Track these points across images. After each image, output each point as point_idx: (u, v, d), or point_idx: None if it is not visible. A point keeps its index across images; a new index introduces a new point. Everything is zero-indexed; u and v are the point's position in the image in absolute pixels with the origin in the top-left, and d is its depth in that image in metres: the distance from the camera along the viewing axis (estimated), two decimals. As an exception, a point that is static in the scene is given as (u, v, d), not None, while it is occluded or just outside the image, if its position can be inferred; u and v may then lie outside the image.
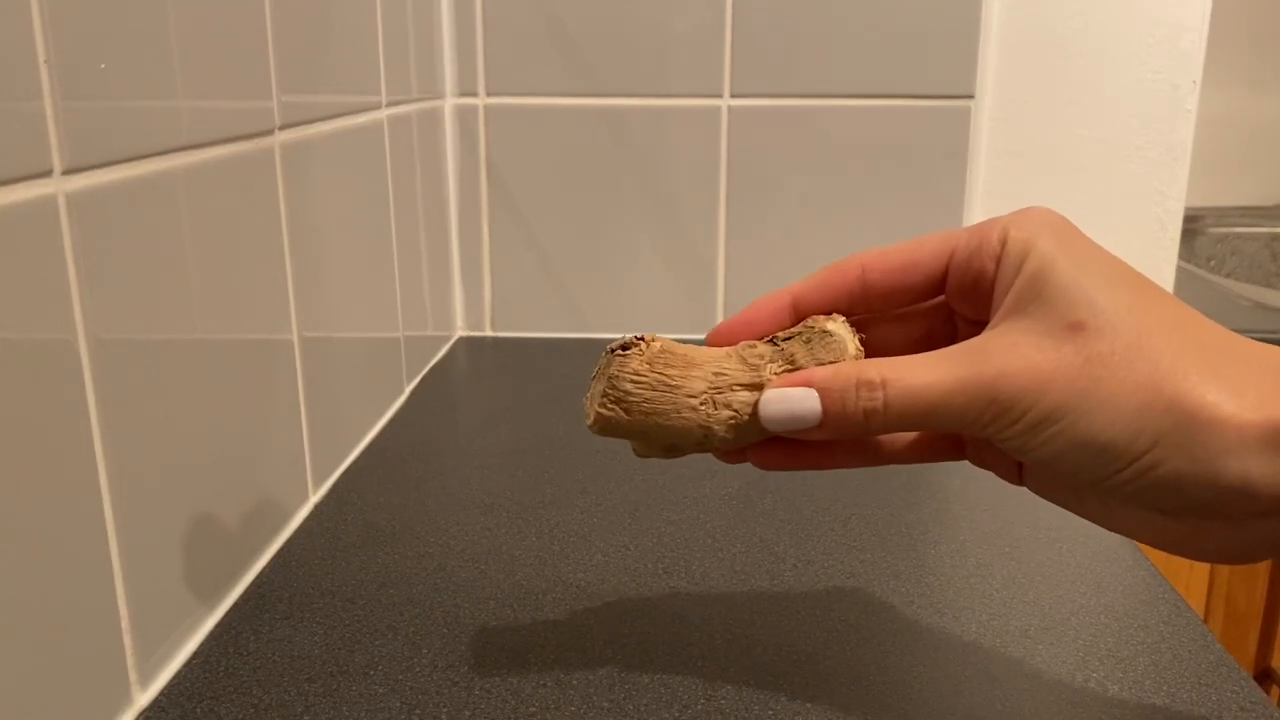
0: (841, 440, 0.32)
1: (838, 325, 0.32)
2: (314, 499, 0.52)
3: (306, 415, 0.51)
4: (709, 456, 0.34)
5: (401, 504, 0.52)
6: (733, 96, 0.78)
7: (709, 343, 0.34)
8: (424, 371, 0.74)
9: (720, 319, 0.83)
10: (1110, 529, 0.32)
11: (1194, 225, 1.35)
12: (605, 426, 0.32)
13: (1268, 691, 0.86)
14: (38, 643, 0.30)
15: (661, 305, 0.82)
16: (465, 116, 0.80)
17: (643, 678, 0.38)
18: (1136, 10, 0.79)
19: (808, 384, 0.31)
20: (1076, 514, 0.32)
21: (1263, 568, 1.01)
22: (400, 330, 0.68)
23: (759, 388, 0.32)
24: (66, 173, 0.31)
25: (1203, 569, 1.02)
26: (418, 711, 0.36)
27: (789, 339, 0.32)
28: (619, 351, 0.32)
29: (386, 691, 0.37)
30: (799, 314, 0.34)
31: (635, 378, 0.31)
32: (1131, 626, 0.41)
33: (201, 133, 0.39)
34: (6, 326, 0.28)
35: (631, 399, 0.31)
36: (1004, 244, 0.31)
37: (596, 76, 0.78)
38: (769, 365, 0.32)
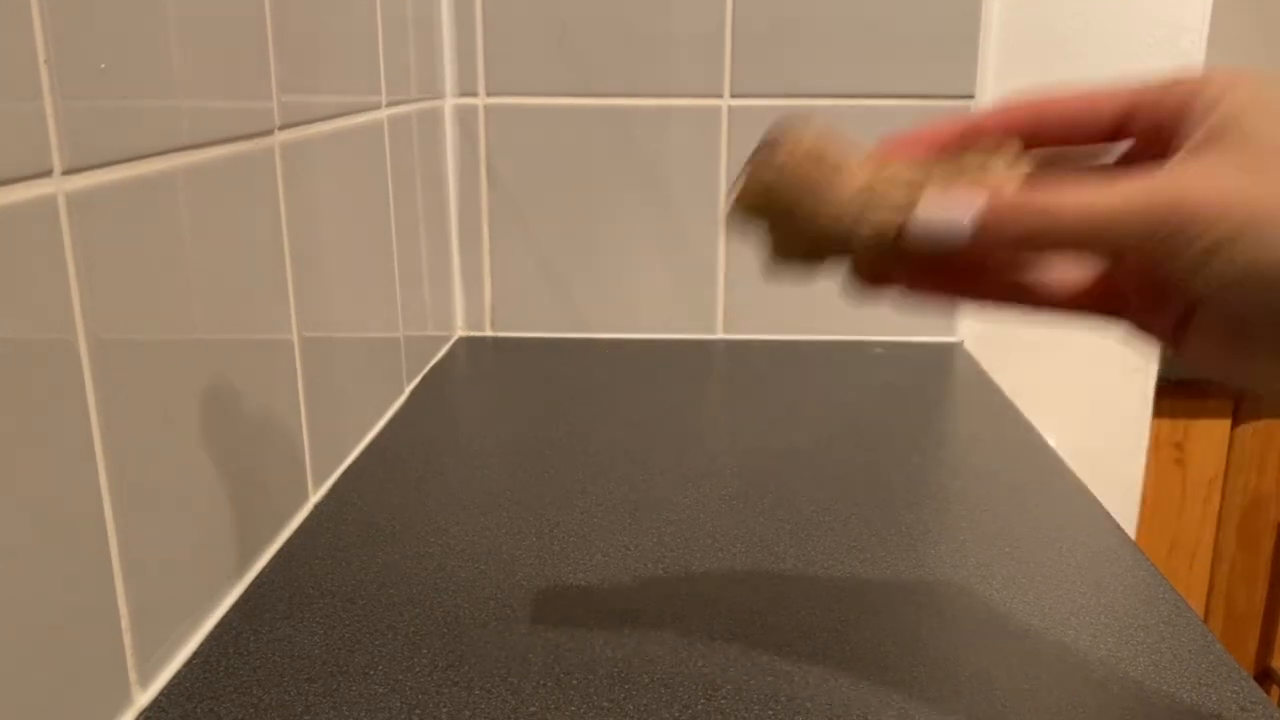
0: (999, 266, 0.31)
1: (1007, 154, 0.30)
2: (314, 499, 0.52)
3: (306, 415, 0.51)
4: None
5: (401, 504, 0.53)
6: (733, 96, 0.78)
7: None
8: (424, 371, 0.74)
9: (720, 318, 0.83)
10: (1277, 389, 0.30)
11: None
12: (750, 204, 0.31)
13: (1268, 692, 0.86)
14: (38, 642, 0.30)
15: (661, 305, 0.82)
16: (465, 116, 0.80)
17: (643, 678, 0.38)
18: (1136, 10, 0.79)
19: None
20: (1239, 381, 0.30)
21: (1263, 569, 1.01)
22: (400, 330, 0.68)
23: (920, 188, 0.29)
24: (66, 173, 0.31)
25: (1203, 570, 1.02)
26: (418, 711, 0.36)
27: (953, 162, 0.30)
28: (763, 149, 0.30)
29: (386, 691, 0.37)
30: (969, 141, 0.31)
31: (780, 171, 0.30)
32: (1131, 627, 0.41)
33: (201, 133, 0.39)
34: (6, 326, 0.28)
35: (775, 190, 0.30)
36: (1197, 95, 0.29)
37: (596, 76, 0.78)
38: (932, 172, 0.30)
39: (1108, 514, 0.52)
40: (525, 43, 0.78)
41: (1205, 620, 0.71)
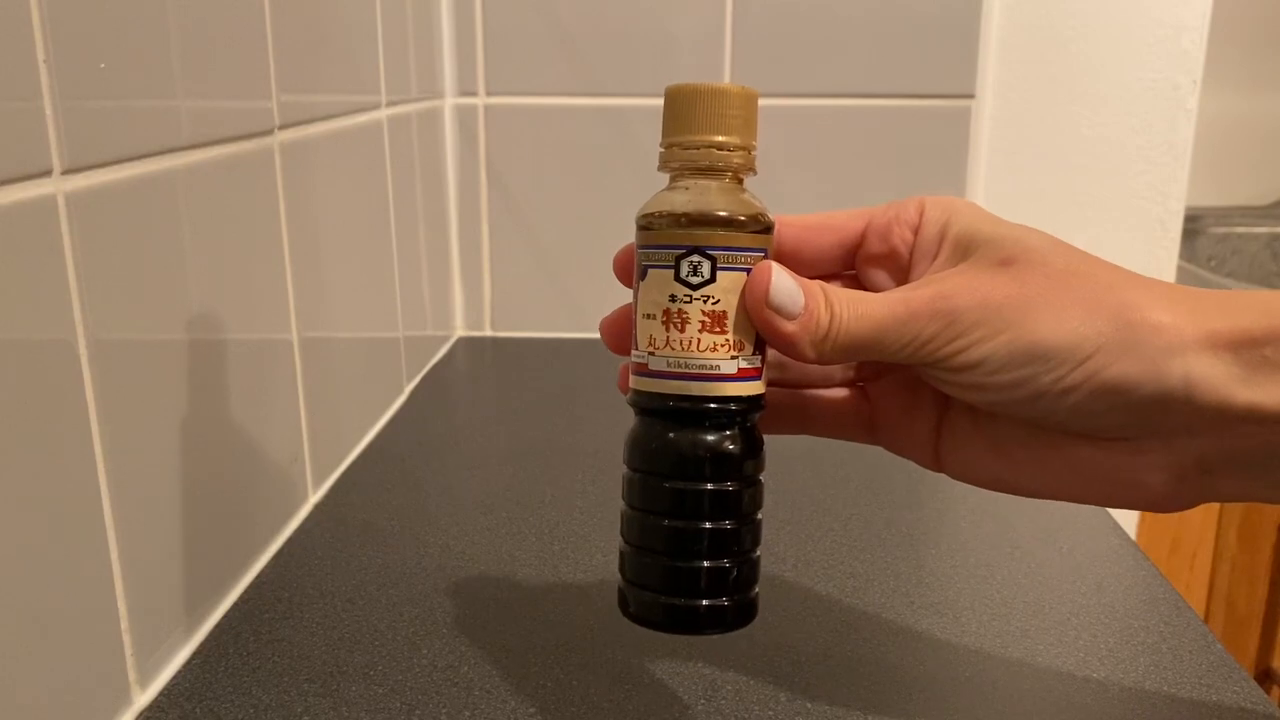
0: (786, 402, 0.34)
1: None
2: (314, 499, 0.52)
3: (306, 415, 0.51)
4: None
5: (401, 504, 0.52)
6: (733, 96, 0.78)
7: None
8: (424, 371, 0.74)
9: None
10: (1041, 492, 0.32)
11: (1194, 225, 1.35)
12: None
13: (1268, 692, 0.86)
14: (38, 643, 0.30)
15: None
16: (465, 116, 0.80)
17: (643, 678, 0.38)
18: (1136, 10, 0.79)
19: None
20: (1001, 487, 0.33)
21: (1264, 569, 1.01)
22: (400, 330, 0.68)
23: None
24: (66, 173, 0.31)
25: (1203, 570, 1.02)
26: (417, 712, 0.36)
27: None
28: None
29: (386, 692, 0.37)
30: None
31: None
32: (1132, 627, 0.41)
33: (201, 132, 0.39)
34: (6, 327, 0.28)
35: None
36: (921, 214, 0.32)
37: (596, 76, 0.78)
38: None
39: (1108, 514, 0.52)
40: (525, 42, 0.78)
41: (1206, 621, 0.71)
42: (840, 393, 0.35)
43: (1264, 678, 1.01)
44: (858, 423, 0.35)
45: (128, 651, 0.35)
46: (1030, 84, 0.81)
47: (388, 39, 0.63)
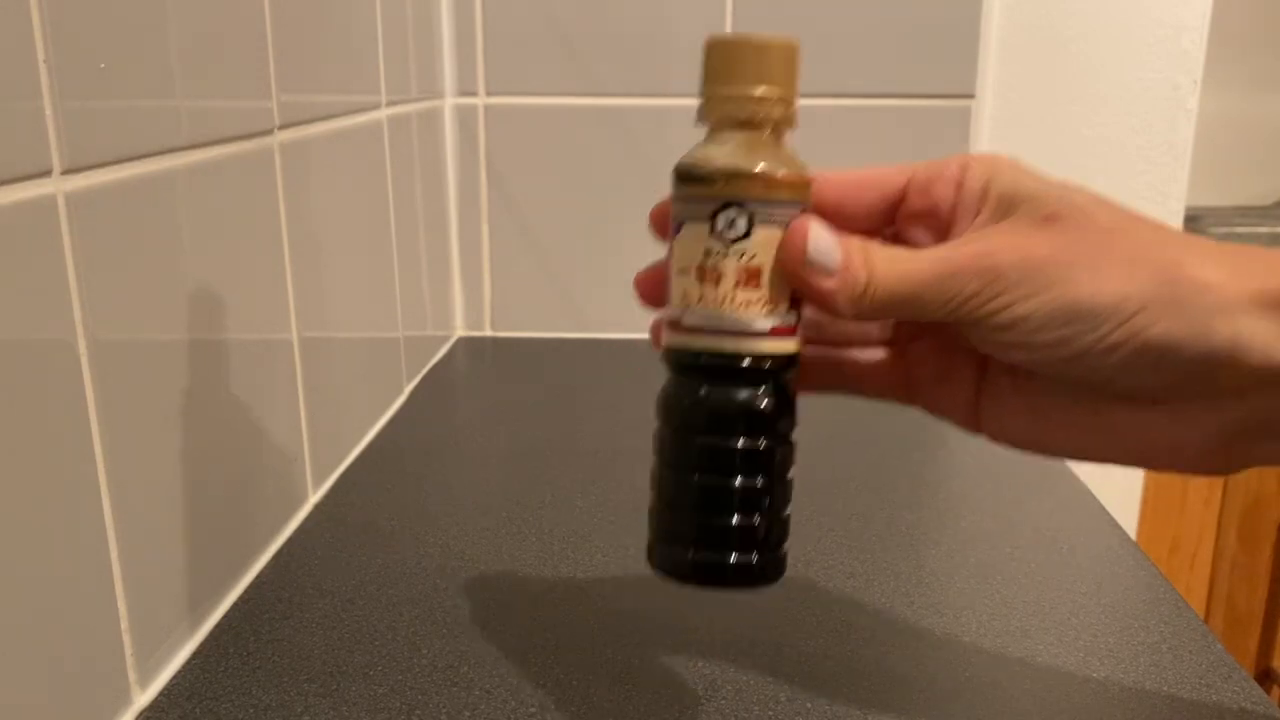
0: (820, 362, 0.33)
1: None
2: (313, 499, 0.52)
3: (306, 415, 0.51)
4: None
5: (401, 504, 0.52)
6: (733, 96, 0.78)
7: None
8: (424, 371, 0.74)
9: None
10: (1078, 454, 0.31)
11: (1194, 225, 1.34)
12: None
13: (1268, 692, 0.86)
14: (37, 643, 0.30)
15: (661, 305, 0.82)
16: (465, 116, 0.80)
17: (643, 678, 0.38)
18: (1136, 10, 0.79)
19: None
20: (1038, 449, 0.32)
21: (1263, 569, 1.01)
22: (400, 330, 0.68)
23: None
24: (66, 173, 0.31)
25: (1203, 570, 1.02)
26: (418, 711, 0.36)
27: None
28: None
29: (386, 691, 0.37)
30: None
31: None
32: (1132, 627, 0.41)
33: (201, 133, 0.39)
34: (6, 327, 0.28)
35: None
36: (965, 171, 0.31)
37: (596, 76, 0.78)
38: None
39: (1109, 514, 0.52)
40: (525, 43, 0.78)
41: (1206, 621, 0.71)
42: (877, 353, 0.35)
43: (1264, 678, 1.01)
44: (895, 383, 0.34)
45: (128, 651, 0.35)
46: (1030, 84, 0.81)
47: (388, 39, 0.63)
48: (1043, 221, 0.29)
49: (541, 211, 0.81)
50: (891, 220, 0.33)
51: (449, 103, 0.79)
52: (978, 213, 0.30)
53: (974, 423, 0.33)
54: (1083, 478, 0.55)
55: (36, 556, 0.30)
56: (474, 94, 0.79)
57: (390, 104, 0.64)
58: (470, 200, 0.82)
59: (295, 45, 0.49)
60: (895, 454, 0.58)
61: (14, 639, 0.29)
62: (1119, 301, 0.27)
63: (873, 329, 0.35)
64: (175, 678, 0.38)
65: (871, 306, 0.30)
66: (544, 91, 0.79)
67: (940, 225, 0.32)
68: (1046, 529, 0.50)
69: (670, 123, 0.78)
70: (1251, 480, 0.99)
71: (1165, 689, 0.37)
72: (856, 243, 0.30)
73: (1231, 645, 1.01)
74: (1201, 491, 0.99)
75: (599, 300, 0.82)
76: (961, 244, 0.30)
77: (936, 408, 0.34)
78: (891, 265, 0.29)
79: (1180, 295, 0.27)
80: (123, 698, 0.35)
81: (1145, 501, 0.94)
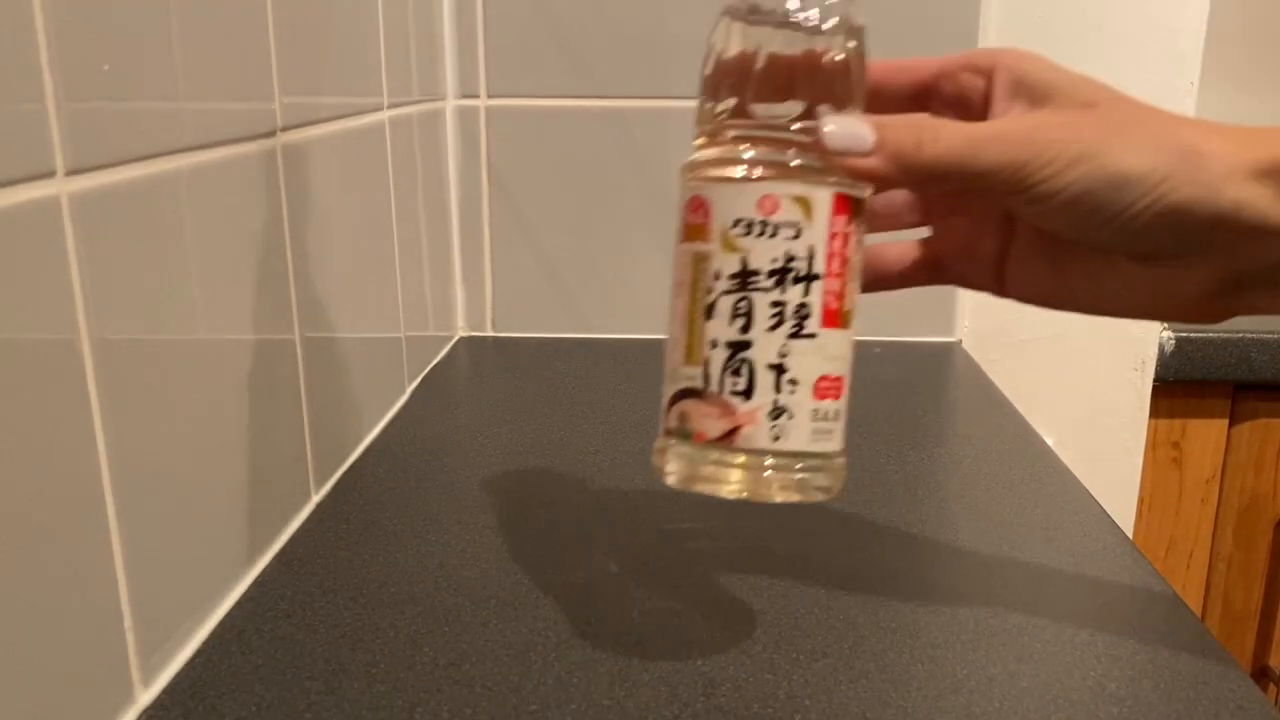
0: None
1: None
2: (316, 498, 0.53)
3: (308, 415, 0.51)
4: None
5: (403, 503, 0.53)
6: (733, 97, 0.78)
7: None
8: (425, 371, 0.74)
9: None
10: (1093, 307, 0.36)
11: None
12: None
13: (1265, 690, 0.87)
14: (41, 641, 0.30)
15: (661, 305, 0.82)
16: (466, 118, 0.80)
17: (643, 677, 0.38)
18: (1135, 10, 0.80)
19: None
20: (1056, 303, 0.37)
21: (1260, 568, 1.01)
22: (402, 330, 0.68)
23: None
24: (69, 174, 0.31)
25: (1200, 569, 1.02)
26: (419, 710, 0.36)
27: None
28: None
29: (388, 690, 0.37)
30: None
31: None
32: (1130, 625, 0.42)
33: (204, 134, 0.40)
34: (9, 328, 0.29)
35: None
36: (994, 62, 0.35)
37: (597, 78, 0.79)
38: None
39: (1105, 513, 0.52)
40: (526, 44, 0.78)
41: (1203, 619, 0.72)
42: (902, 247, 0.40)
43: (1260, 676, 1.01)
44: (921, 268, 0.40)
45: (131, 649, 0.35)
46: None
47: (389, 41, 0.63)
48: (1084, 106, 0.33)
49: (543, 212, 0.82)
50: (924, 106, 0.37)
51: (450, 104, 0.80)
52: (1010, 98, 0.35)
53: (999, 284, 0.39)
54: (1080, 477, 0.56)
55: (40, 555, 0.30)
56: (475, 96, 0.80)
57: (392, 106, 0.64)
58: (472, 201, 0.82)
59: (298, 48, 0.49)
60: (894, 453, 0.59)
61: (18, 637, 0.29)
62: (1148, 171, 0.32)
63: (903, 211, 0.40)
64: (178, 675, 0.38)
65: (928, 163, 0.33)
66: (545, 93, 0.79)
67: (969, 112, 0.36)
68: (1044, 528, 0.50)
69: (670, 123, 0.78)
70: (1248, 480, 1.00)
71: (1162, 687, 0.38)
72: (902, 116, 0.34)
73: (1228, 643, 1.01)
74: (1198, 490, 1.00)
75: (600, 300, 0.82)
76: (1012, 120, 0.34)
77: (963, 277, 0.40)
78: (955, 130, 0.33)
79: (1196, 164, 0.31)
80: (126, 695, 0.35)
81: (1142, 500, 0.94)
